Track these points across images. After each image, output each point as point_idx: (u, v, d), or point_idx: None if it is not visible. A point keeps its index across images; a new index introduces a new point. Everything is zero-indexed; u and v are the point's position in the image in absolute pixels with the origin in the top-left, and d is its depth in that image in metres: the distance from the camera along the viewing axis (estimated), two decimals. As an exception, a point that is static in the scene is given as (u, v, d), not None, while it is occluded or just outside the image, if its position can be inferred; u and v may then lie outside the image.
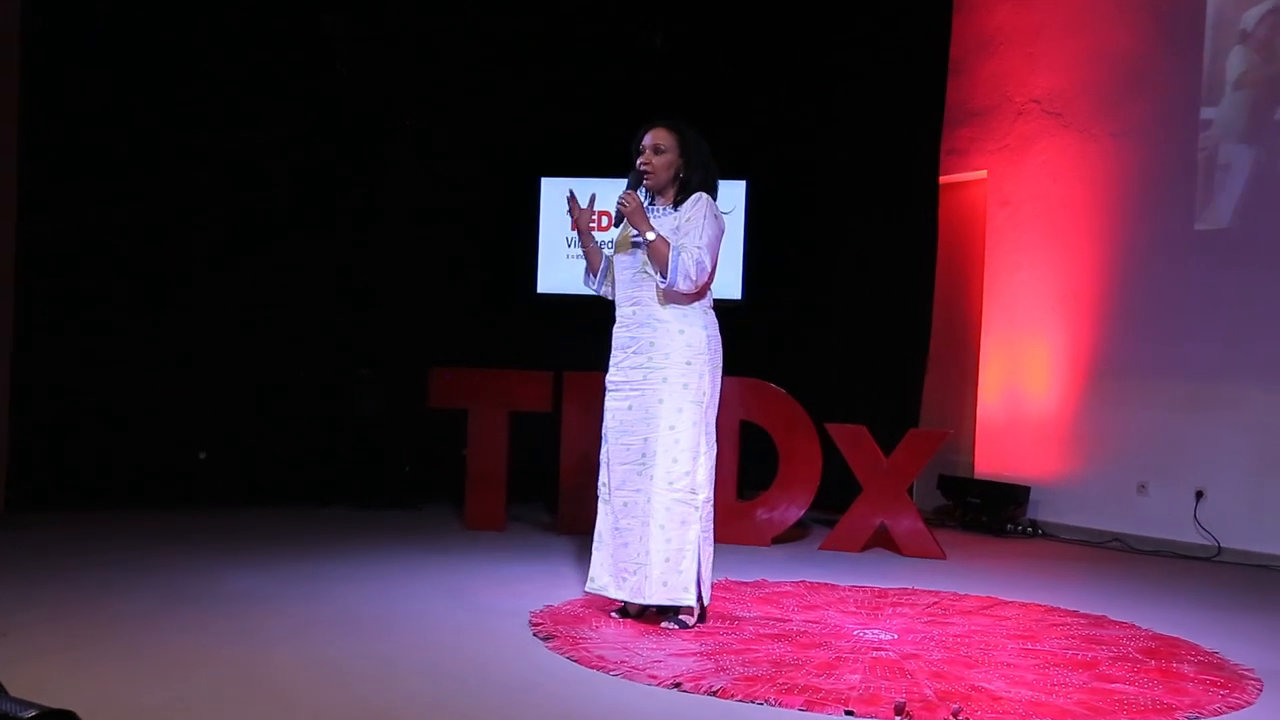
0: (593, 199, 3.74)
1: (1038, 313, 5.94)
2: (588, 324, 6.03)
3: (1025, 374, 5.99)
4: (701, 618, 3.46)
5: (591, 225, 3.70)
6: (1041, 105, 5.98)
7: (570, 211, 3.62)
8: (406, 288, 5.90)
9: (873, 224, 6.24)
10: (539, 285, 5.86)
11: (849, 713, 2.64)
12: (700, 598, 3.44)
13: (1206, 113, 5.36)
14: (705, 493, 3.43)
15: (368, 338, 5.82)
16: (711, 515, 3.47)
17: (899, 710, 2.61)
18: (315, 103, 5.70)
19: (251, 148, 5.57)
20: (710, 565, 3.47)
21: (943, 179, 6.16)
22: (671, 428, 3.38)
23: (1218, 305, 5.27)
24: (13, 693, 1.87)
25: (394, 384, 5.77)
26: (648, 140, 3.49)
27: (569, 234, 5.77)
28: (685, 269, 3.35)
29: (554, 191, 5.82)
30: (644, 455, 3.42)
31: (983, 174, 6.26)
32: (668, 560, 3.36)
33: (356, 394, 5.76)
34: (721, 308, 3.61)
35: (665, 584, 3.36)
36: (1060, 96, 5.90)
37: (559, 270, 5.82)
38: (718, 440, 3.43)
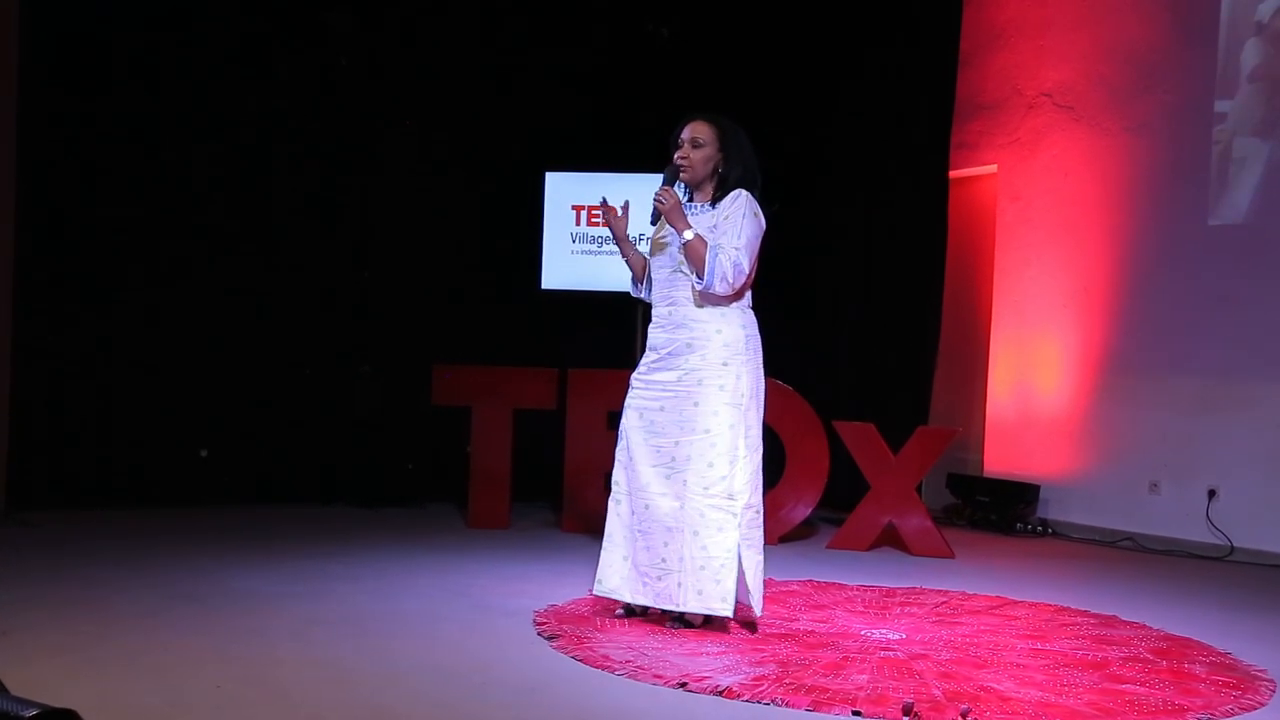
0: (626, 205, 3.52)
1: (1048, 309, 5.89)
2: (592, 321, 6.00)
3: (1035, 371, 5.94)
4: (722, 627, 3.34)
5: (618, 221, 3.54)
6: (1053, 99, 5.93)
7: (606, 222, 3.48)
8: (409, 284, 5.88)
9: (881, 219, 6.21)
10: (543, 281, 5.82)
11: (856, 713, 2.61)
12: (750, 606, 3.31)
13: (1221, 106, 5.30)
14: (745, 498, 3.28)
15: (369, 335, 5.79)
16: (757, 522, 3.33)
17: (907, 711, 2.58)
18: (317, 99, 5.67)
19: (252, 145, 5.55)
20: (760, 574, 3.34)
21: (952, 173, 6.12)
22: (707, 431, 3.27)
23: (1231, 302, 5.21)
24: (14, 692, 1.84)
25: (396, 382, 5.75)
26: (685, 134, 3.39)
27: (573, 229, 5.73)
28: (722, 270, 3.24)
29: (558, 186, 5.78)
30: (674, 459, 3.30)
31: (993, 168, 6.22)
32: (703, 568, 3.23)
33: (358, 392, 5.73)
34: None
35: (700, 592, 3.23)
36: (1072, 90, 5.85)
37: (563, 266, 5.78)
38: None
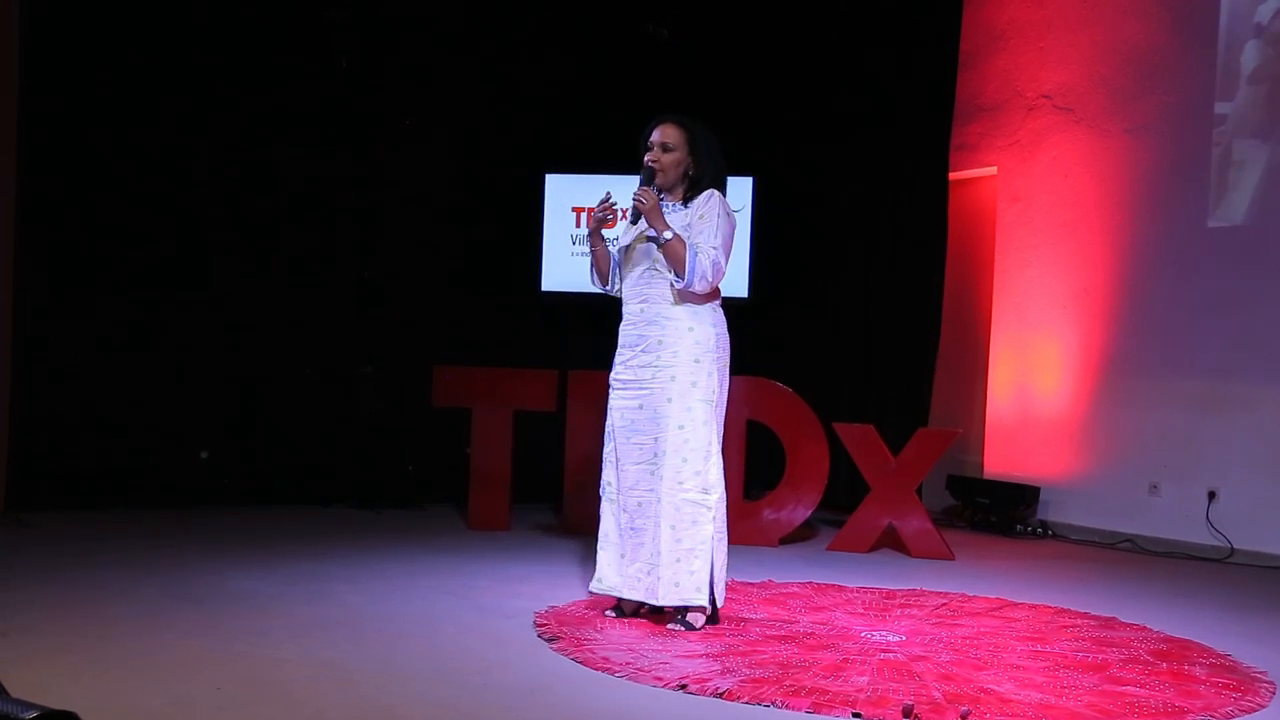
0: (608, 197, 3.54)
1: (1048, 311, 5.90)
2: (593, 322, 6.00)
3: (1035, 373, 5.94)
4: (713, 619, 3.43)
5: (608, 222, 3.57)
6: (1053, 100, 5.94)
7: (605, 211, 3.45)
8: (409, 285, 5.88)
9: (881, 221, 6.21)
10: (543, 283, 5.83)
11: (856, 715, 2.61)
12: (713, 599, 3.40)
13: (1221, 108, 5.30)
14: (718, 492, 3.38)
15: (370, 336, 5.79)
16: (725, 515, 3.42)
17: (907, 713, 2.58)
18: (318, 99, 5.67)
19: (253, 146, 5.55)
20: (724, 566, 3.44)
21: (952, 175, 6.12)
22: (681, 427, 3.35)
23: (1231, 303, 5.22)
24: (13, 693, 1.84)
25: (397, 383, 5.74)
26: (656, 137, 3.45)
27: (574, 231, 5.74)
28: (702, 269, 3.31)
29: (558, 188, 5.79)
30: (655, 455, 3.38)
31: (993, 170, 6.22)
32: (679, 561, 3.33)
33: (359, 393, 5.73)
34: (728, 306, 3.57)
35: (677, 584, 3.33)
36: (1072, 91, 5.86)
37: (564, 268, 5.78)
38: (725, 440, 3.39)
